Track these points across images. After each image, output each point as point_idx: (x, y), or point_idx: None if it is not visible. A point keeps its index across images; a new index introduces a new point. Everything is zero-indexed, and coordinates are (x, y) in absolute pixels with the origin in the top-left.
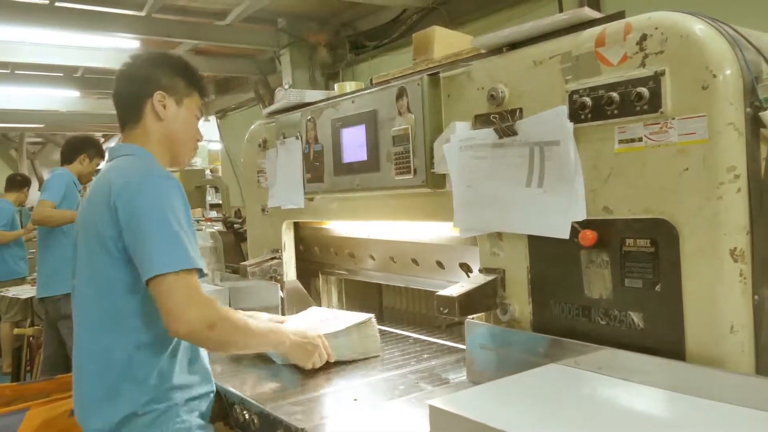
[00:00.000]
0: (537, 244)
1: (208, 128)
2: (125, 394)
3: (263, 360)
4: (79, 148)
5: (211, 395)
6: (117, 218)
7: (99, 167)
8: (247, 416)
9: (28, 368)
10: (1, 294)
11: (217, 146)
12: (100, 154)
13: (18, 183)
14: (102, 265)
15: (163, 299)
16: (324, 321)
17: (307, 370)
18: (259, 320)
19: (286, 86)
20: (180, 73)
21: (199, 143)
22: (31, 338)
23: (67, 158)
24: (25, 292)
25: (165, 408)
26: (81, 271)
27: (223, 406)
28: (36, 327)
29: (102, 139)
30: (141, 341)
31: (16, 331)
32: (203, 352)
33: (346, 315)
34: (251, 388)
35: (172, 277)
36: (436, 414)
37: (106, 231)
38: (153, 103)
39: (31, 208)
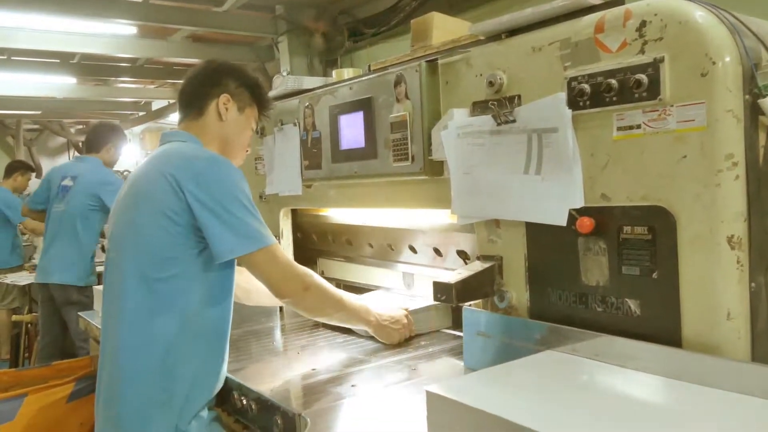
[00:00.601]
0: (534, 232)
1: None
2: (157, 381)
3: (260, 346)
4: (107, 136)
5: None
6: (183, 197)
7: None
8: (244, 402)
9: (27, 355)
10: None
11: None
12: (124, 143)
13: (12, 168)
14: (155, 245)
15: (265, 270)
16: (401, 300)
17: (306, 352)
18: (352, 299)
19: (284, 73)
20: (247, 86)
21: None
22: (29, 325)
23: (93, 146)
24: (22, 278)
25: (187, 401)
26: (124, 253)
27: (221, 393)
28: (34, 314)
29: None
30: (184, 326)
31: (13, 318)
32: (227, 351)
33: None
34: (249, 375)
35: (268, 250)
36: (433, 400)
37: (166, 210)
38: (218, 103)
39: (29, 195)
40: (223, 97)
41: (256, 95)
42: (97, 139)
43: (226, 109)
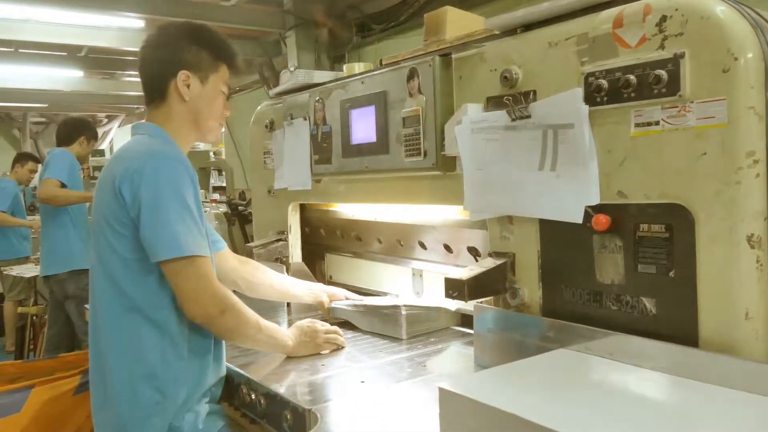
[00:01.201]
0: (548, 228)
1: None
2: (146, 383)
3: None
4: (78, 129)
5: (223, 380)
6: (124, 201)
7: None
8: (253, 397)
9: (32, 347)
10: (5, 273)
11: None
12: (96, 137)
13: (18, 158)
14: (108, 245)
15: (176, 283)
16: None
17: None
18: (269, 322)
19: (292, 68)
20: (206, 46)
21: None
22: (34, 317)
23: (65, 140)
24: (28, 270)
25: (181, 398)
26: (92, 251)
27: (228, 387)
28: (39, 306)
29: (105, 120)
30: (159, 328)
31: (19, 309)
32: (215, 346)
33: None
34: (256, 370)
35: (188, 261)
36: (445, 397)
37: (110, 212)
38: (177, 83)
39: (35, 188)
40: (182, 75)
41: (219, 54)
42: (69, 133)
43: (188, 86)
